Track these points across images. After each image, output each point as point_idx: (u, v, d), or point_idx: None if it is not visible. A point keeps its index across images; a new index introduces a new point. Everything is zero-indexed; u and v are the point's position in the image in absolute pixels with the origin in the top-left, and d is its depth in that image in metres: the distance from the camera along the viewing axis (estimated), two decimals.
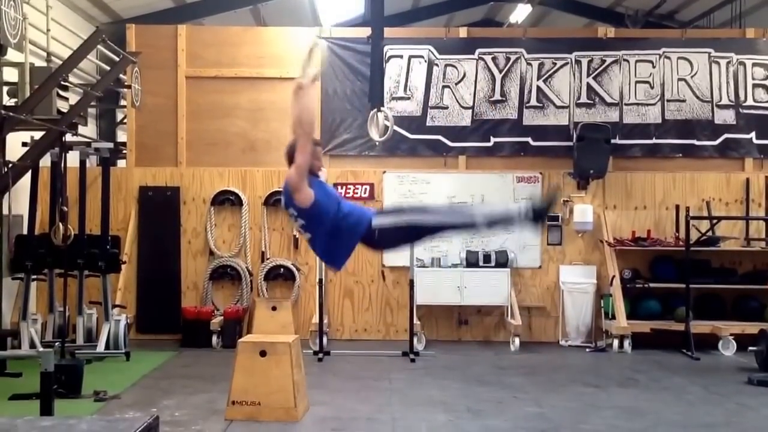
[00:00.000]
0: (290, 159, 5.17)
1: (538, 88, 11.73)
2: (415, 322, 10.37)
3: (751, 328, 10.22)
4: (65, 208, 9.21)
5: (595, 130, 11.38)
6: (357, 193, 11.51)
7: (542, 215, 5.24)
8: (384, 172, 11.62)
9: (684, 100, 11.73)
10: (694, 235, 10.79)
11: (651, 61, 11.77)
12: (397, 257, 10.69)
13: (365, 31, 11.03)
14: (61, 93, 8.95)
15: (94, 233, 10.21)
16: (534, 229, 5.45)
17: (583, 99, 11.72)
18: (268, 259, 11.46)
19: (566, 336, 11.31)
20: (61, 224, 9.19)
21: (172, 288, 11.37)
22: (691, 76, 11.74)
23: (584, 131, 11.36)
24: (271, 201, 11.45)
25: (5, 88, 8.89)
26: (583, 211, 11.37)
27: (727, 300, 11.31)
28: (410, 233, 5.38)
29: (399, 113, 11.48)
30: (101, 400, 7.47)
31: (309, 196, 5.16)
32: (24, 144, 9.54)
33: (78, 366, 7.88)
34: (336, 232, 5.23)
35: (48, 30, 9.45)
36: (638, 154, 11.77)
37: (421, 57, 11.72)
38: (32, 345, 9.44)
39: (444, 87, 11.72)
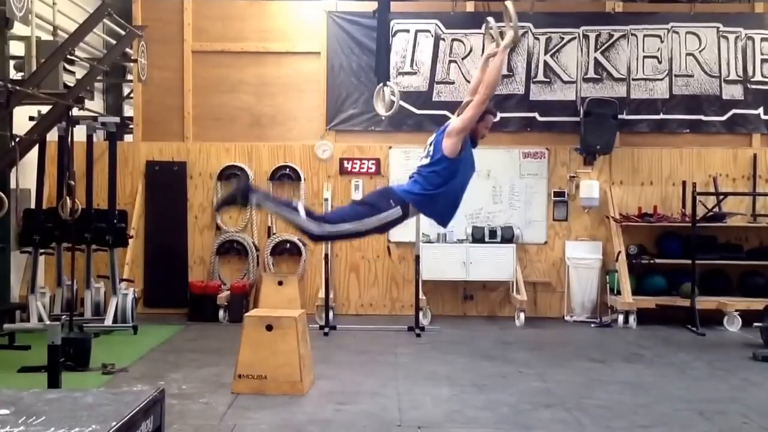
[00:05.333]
0: (460, 112, 5.65)
1: (545, 63, 11.67)
2: (420, 297, 10.40)
3: (757, 304, 10.22)
4: (72, 183, 9.21)
5: (602, 106, 11.34)
6: (363, 169, 11.52)
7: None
8: (390, 147, 11.61)
9: (692, 76, 11.66)
10: (700, 211, 10.77)
11: (659, 36, 11.69)
12: (402, 233, 10.69)
13: (371, 5, 10.96)
14: (68, 67, 8.95)
15: (101, 208, 10.25)
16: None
17: (591, 74, 11.66)
18: (274, 234, 11.48)
19: (571, 311, 11.33)
20: (68, 198, 9.22)
21: (179, 262, 11.42)
22: (699, 51, 11.66)
23: (591, 106, 11.31)
24: (277, 176, 11.46)
25: (12, 62, 8.89)
26: (589, 187, 11.36)
27: (733, 276, 11.30)
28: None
29: (405, 88, 11.44)
30: (109, 373, 7.54)
31: (457, 148, 5.54)
32: (31, 118, 9.56)
33: (86, 339, 7.93)
34: (446, 197, 5.66)
35: (54, 3, 9.43)
36: (645, 129, 11.73)
37: (428, 31, 11.66)
38: (40, 318, 9.51)
39: (451, 62, 11.67)
